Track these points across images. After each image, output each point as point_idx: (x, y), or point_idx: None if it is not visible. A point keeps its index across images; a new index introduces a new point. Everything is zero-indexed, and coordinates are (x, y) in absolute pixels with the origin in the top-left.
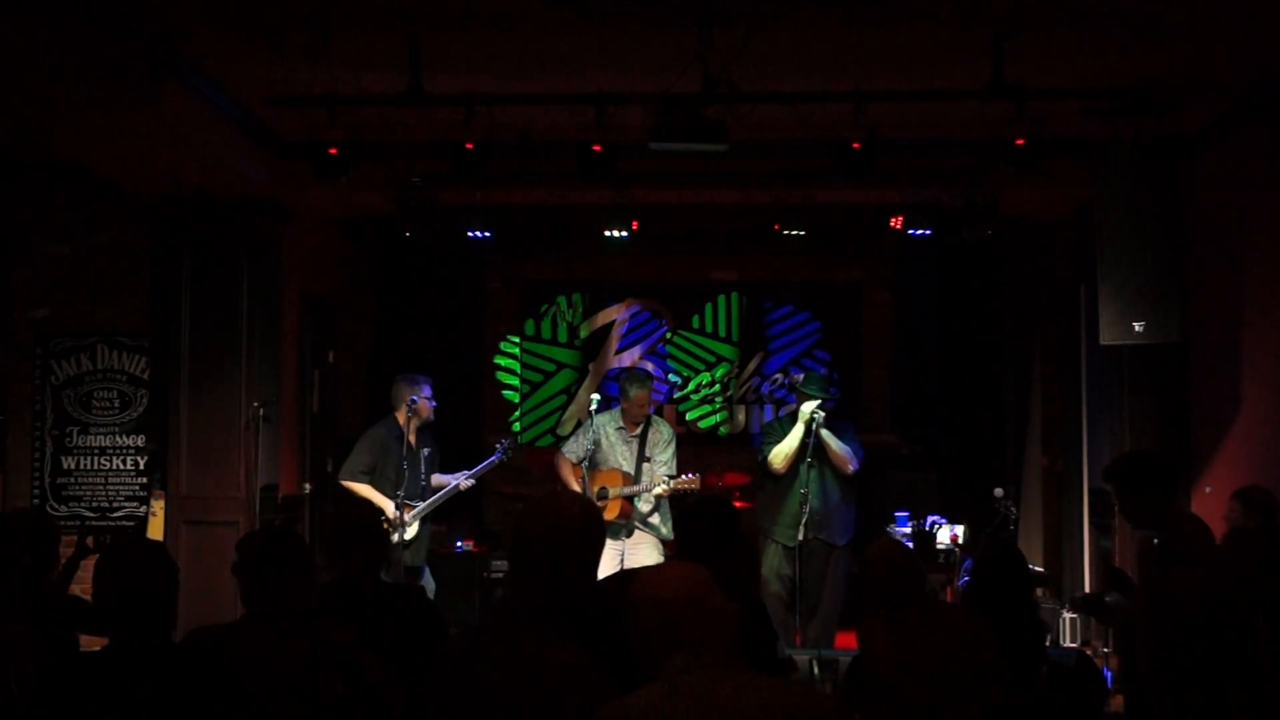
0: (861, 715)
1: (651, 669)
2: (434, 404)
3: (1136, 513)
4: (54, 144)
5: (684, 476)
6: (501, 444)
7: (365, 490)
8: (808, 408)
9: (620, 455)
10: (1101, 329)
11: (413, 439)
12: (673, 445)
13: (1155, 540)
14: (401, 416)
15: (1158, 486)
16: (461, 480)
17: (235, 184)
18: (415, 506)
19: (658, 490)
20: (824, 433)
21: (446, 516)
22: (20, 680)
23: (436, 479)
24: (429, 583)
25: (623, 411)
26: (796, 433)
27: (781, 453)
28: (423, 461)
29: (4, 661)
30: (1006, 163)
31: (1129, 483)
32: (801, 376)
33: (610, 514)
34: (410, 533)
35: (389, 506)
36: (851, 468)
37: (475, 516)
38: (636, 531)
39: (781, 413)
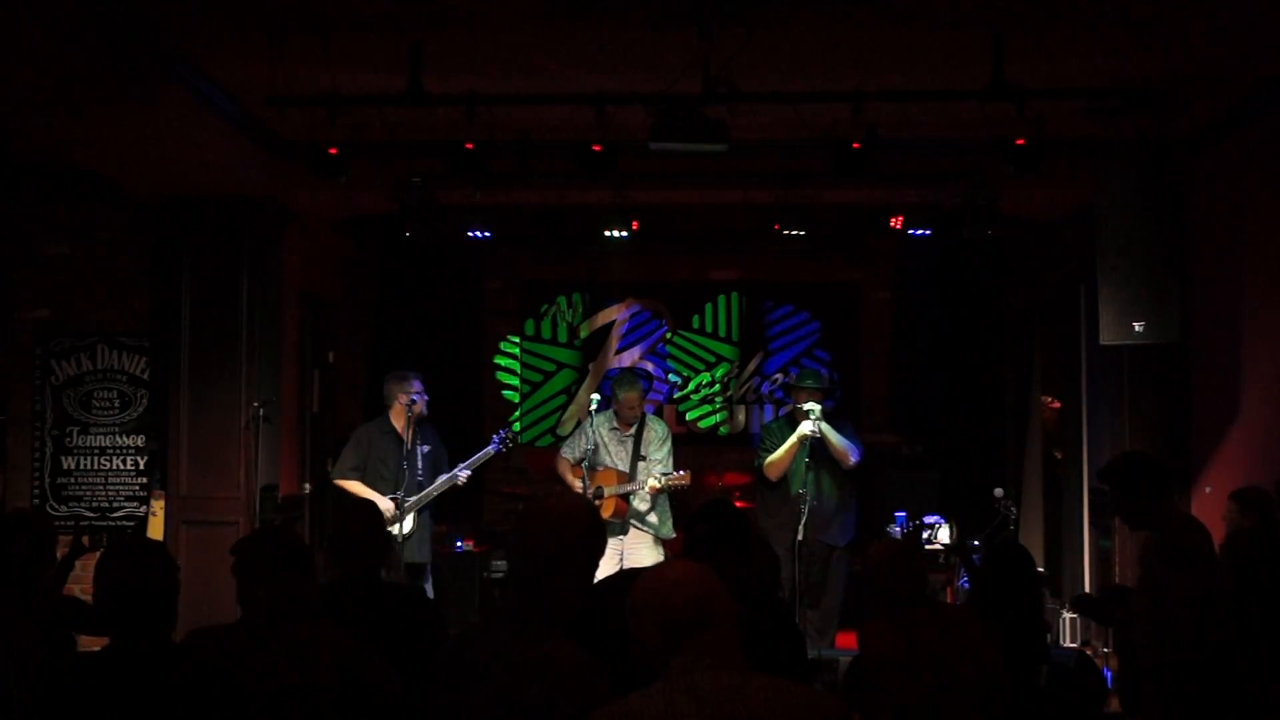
0: (861, 715)
1: (653, 669)
2: (425, 399)
3: (1131, 514)
4: (54, 144)
5: (675, 474)
6: (499, 435)
7: (356, 486)
8: (806, 426)
9: (615, 455)
10: (1101, 329)
11: (408, 436)
12: (668, 443)
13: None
14: (396, 414)
15: (1151, 488)
16: (460, 473)
17: (235, 184)
18: (408, 501)
19: (650, 484)
20: (823, 425)
21: (447, 516)
22: (20, 680)
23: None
24: (429, 586)
25: (614, 412)
26: (790, 442)
27: (774, 461)
28: (420, 458)
29: (4, 661)
30: (1006, 163)
31: (1123, 484)
32: (796, 374)
33: (605, 513)
34: (405, 527)
35: (383, 502)
36: (853, 459)
37: (475, 516)
38: (634, 530)
39: (781, 412)
